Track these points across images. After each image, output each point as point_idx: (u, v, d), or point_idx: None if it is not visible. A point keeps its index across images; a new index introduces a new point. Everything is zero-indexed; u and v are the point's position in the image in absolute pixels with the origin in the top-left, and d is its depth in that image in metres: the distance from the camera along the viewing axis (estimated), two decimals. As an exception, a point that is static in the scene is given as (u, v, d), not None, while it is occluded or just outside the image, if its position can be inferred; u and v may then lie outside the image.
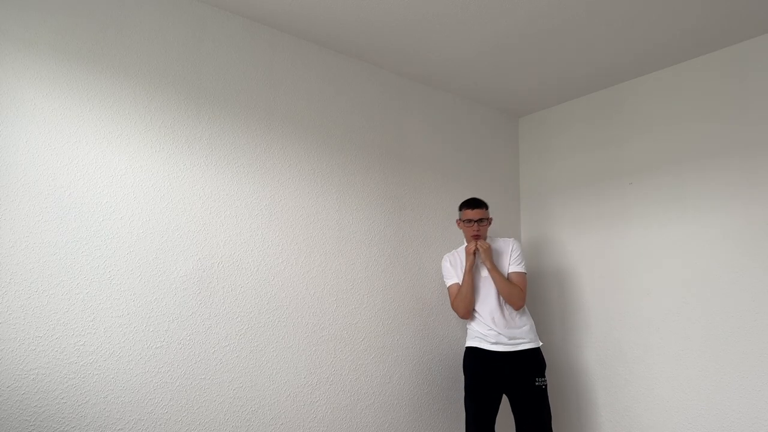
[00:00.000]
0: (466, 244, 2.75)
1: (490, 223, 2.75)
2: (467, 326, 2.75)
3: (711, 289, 2.64)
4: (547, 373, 2.68)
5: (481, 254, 2.63)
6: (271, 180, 2.56)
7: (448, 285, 2.79)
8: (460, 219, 2.75)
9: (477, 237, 2.66)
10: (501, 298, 2.62)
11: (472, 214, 2.69)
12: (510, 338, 2.58)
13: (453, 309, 2.75)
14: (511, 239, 2.79)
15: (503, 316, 2.60)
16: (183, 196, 2.31)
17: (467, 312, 2.67)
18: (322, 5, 2.46)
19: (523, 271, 2.70)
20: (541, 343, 2.65)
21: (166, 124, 2.31)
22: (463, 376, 2.73)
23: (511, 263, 2.70)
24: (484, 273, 2.69)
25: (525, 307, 2.67)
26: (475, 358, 2.64)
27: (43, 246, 1.98)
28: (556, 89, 3.27)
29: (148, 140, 2.26)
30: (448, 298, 3.10)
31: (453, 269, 2.76)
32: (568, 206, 3.31)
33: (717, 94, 2.73)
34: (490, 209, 2.80)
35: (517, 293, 2.60)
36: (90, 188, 2.10)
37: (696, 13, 2.45)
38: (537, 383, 2.53)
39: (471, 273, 2.65)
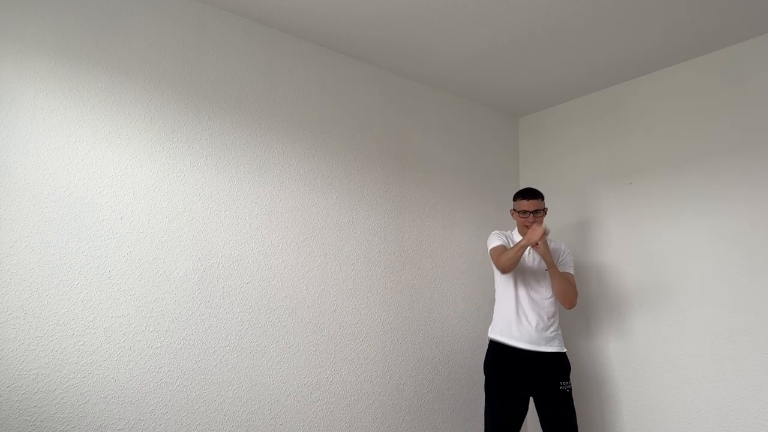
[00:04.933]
0: (516, 230, 2.70)
1: (545, 214, 2.66)
2: (495, 314, 2.64)
3: (711, 289, 2.64)
4: (571, 376, 2.60)
5: (540, 247, 2.51)
6: (271, 180, 2.56)
7: (493, 246, 2.62)
8: (514, 209, 2.67)
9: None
10: (544, 293, 2.56)
11: (528, 204, 2.60)
12: (538, 337, 2.50)
13: (497, 264, 2.57)
14: (562, 243, 2.74)
15: (540, 311, 2.53)
16: (183, 196, 2.31)
17: (510, 267, 2.50)
18: (322, 5, 2.46)
19: (573, 273, 2.66)
20: (566, 350, 2.58)
21: (166, 124, 2.31)
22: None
23: (562, 263, 2.64)
24: (532, 263, 2.61)
25: (557, 311, 2.61)
26: (499, 357, 2.55)
27: (43, 246, 1.98)
28: (556, 89, 3.27)
29: (148, 140, 2.26)
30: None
31: (501, 239, 2.64)
32: (568, 206, 3.31)
33: (717, 94, 2.73)
34: (545, 200, 2.72)
35: (572, 291, 2.56)
36: (90, 188, 2.10)
37: (695, 13, 2.45)
38: (561, 387, 2.47)
39: (522, 251, 2.47)
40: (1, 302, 1.89)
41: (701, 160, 2.74)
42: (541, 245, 2.50)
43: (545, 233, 2.45)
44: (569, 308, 2.59)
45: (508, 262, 2.49)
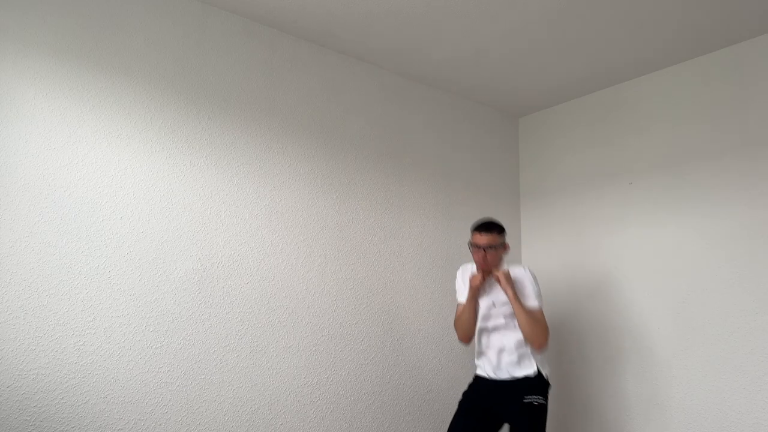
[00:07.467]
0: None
1: (505, 251, 2.37)
2: (475, 361, 2.50)
3: (711, 289, 2.64)
4: (550, 393, 2.38)
5: (501, 283, 2.26)
6: (271, 180, 2.56)
7: (457, 301, 2.52)
8: (469, 241, 2.40)
9: (484, 267, 2.31)
10: (513, 337, 2.32)
11: (480, 238, 2.30)
12: (506, 368, 2.34)
13: (456, 331, 2.49)
14: (527, 268, 2.41)
15: (514, 355, 2.31)
16: (183, 196, 2.31)
17: (465, 338, 2.44)
18: (322, 5, 2.46)
19: (540, 307, 2.31)
20: (545, 371, 2.34)
21: (166, 124, 2.31)
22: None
23: (528, 297, 2.30)
24: (496, 299, 2.35)
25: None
26: (475, 382, 2.45)
27: (43, 246, 1.98)
28: (556, 89, 3.27)
29: (148, 140, 2.26)
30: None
31: (463, 285, 2.47)
32: (568, 206, 3.31)
33: (717, 94, 2.73)
34: (504, 234, 2.41)
35: (541, 331, 2.23)
36: (90, 188, 2.10)
37: (695, 13, 2.45)
38: (526, 400, 2.24)
39: (472, 302, 2.36)
40: (1, 302, 1.89)
41: (701, 160, 2.74)
42: (502, 281, 2.26)
43: (499, 277, 2.26)
44: (539, 349, 2.28)
45: (463, 332, 2.41)
